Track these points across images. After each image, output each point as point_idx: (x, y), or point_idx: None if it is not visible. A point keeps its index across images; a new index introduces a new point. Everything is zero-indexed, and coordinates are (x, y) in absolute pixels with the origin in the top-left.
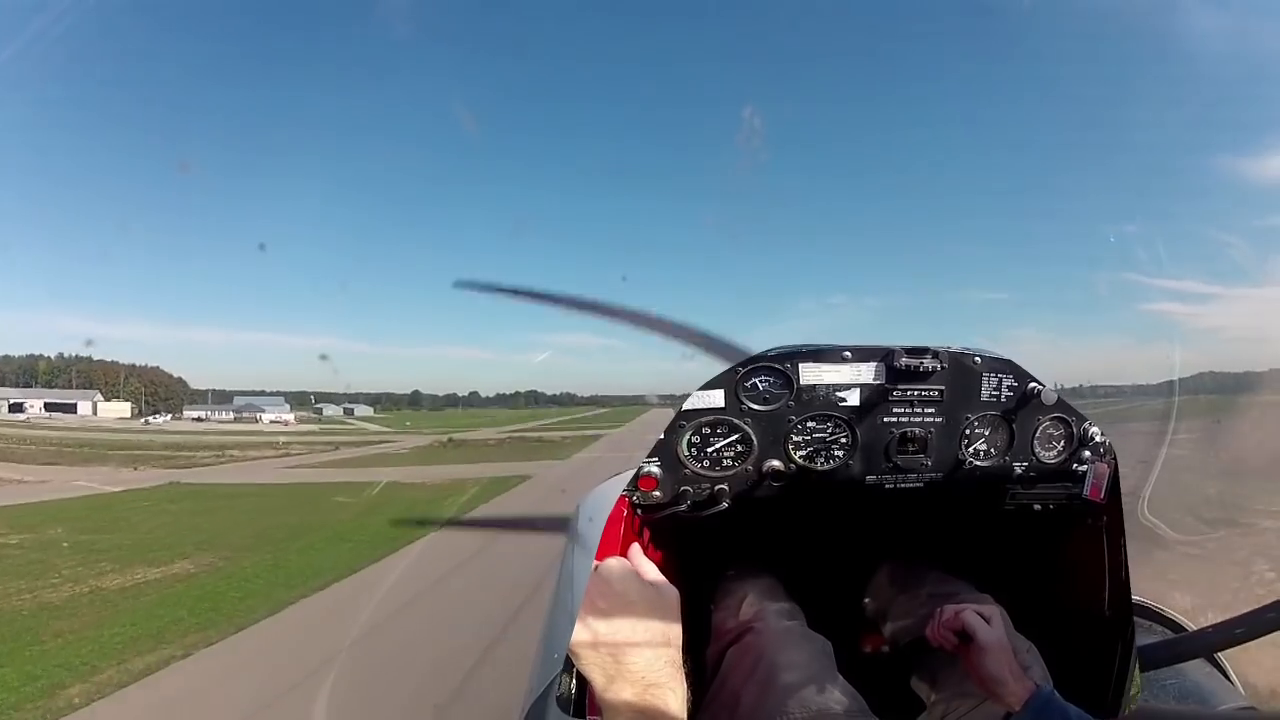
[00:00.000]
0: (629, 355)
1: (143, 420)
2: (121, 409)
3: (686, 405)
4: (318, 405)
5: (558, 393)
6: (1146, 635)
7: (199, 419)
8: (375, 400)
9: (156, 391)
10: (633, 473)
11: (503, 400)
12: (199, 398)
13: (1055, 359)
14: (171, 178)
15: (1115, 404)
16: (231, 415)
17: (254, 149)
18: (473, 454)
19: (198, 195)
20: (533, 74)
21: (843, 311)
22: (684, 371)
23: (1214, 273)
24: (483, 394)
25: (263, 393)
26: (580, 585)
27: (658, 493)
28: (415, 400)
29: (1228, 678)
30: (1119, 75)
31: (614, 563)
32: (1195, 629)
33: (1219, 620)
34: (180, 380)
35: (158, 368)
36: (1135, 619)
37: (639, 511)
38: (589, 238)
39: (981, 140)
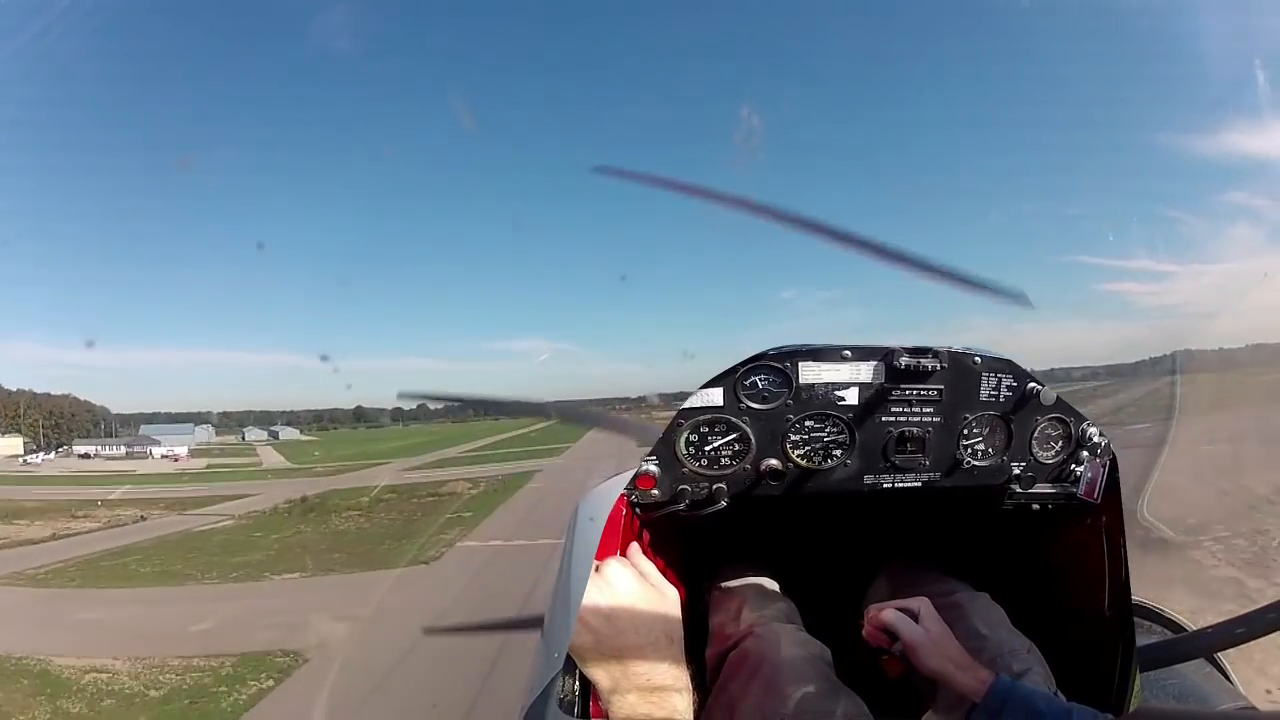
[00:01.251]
0: (584, 359)
1: (20, 460)
2: (13, 444)
3: (685, 404)
4: (243, 429)
5: (509, 401)
6: (1146, 635)
7: (86, 455)
8: (319, 417)
9: (59, 423)
10: (632, 472)
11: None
12: (127, 425)
13: (1010, 342)
14: (161, 185)
15: (1100, 387)
16: (123, 450)
17: (226, 153)
18: (303, 539)
19: (185, 200)
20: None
21: (796, 305)
22: (650, 375)
23: (1168, 251)
24: (433, 407)
25: (203, 415)
26: (580, 585)
27: (656, 491)
28: (359, 416)
29: (1227, 678)
30: (1067, 54)
31: (614, 563)
32: (1195, 629)
33: (1219, 620)
34: (100, 408)
35: (69, 395)
36: (1135, 619)
37: (638, 511)
38: (588, 237)
39: (923, 119)
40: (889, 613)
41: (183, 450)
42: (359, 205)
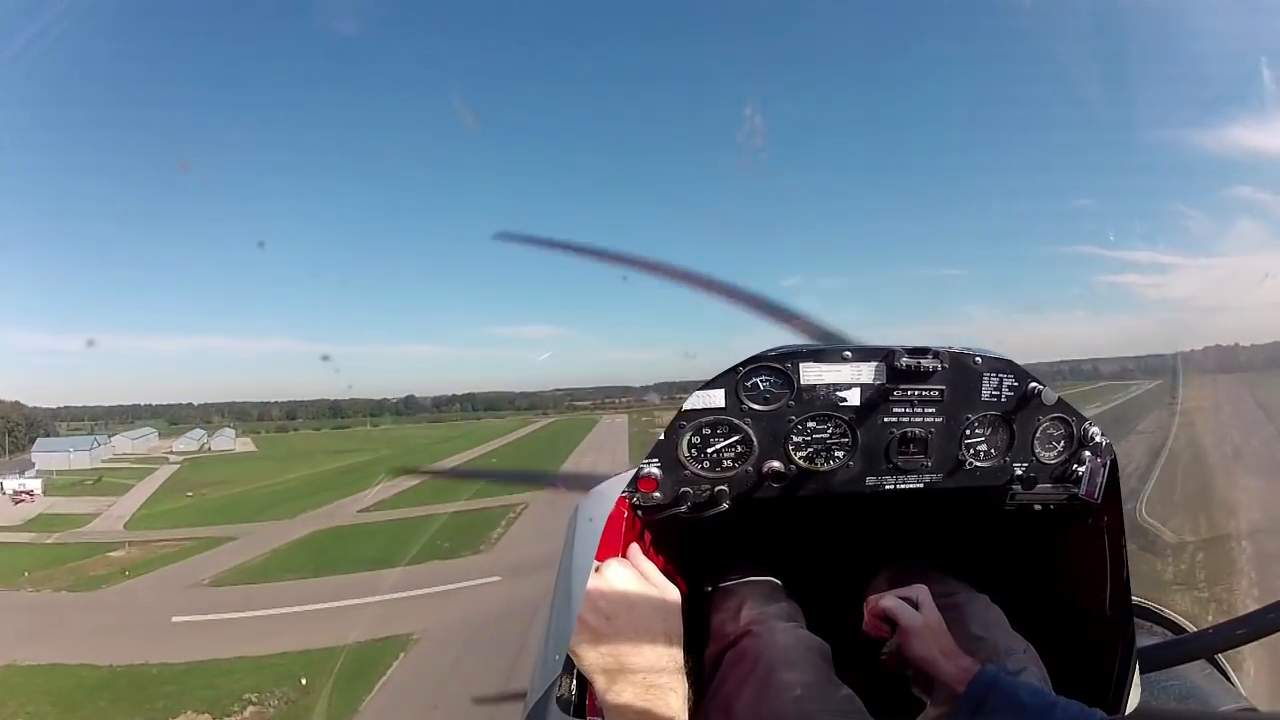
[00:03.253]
0: (588, 345)
1: None
2: None
3: (687, 405)
4: (186, 431)
5: (504, 391)
6: (1147, 636)
7: None
8: (291, 412)
9: None
10: (633, 473)
11: (441, 405)
12: (52, 428)
13: (1010, 334)
14: (171, 182)
15: (1128, 383)
16: None
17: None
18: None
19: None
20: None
21: (799, 295)
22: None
23: (1171, 243)
24: (421, 397)
25: (166, 408)
26: (581, 586)
27: (658, 494)
28: (336, 410)
29: (1228, 679)
30: (1071, 51)
31: (615, 564)
32: (1195, 630)
33: (1219, 621)
34: (11, 404)
35: None
36: (1135, 620)
37: (639, 513)
38: (589, 236)
39: (931, 115)
40: (888, 599)
41: (35, 485)
42: (361, 198)
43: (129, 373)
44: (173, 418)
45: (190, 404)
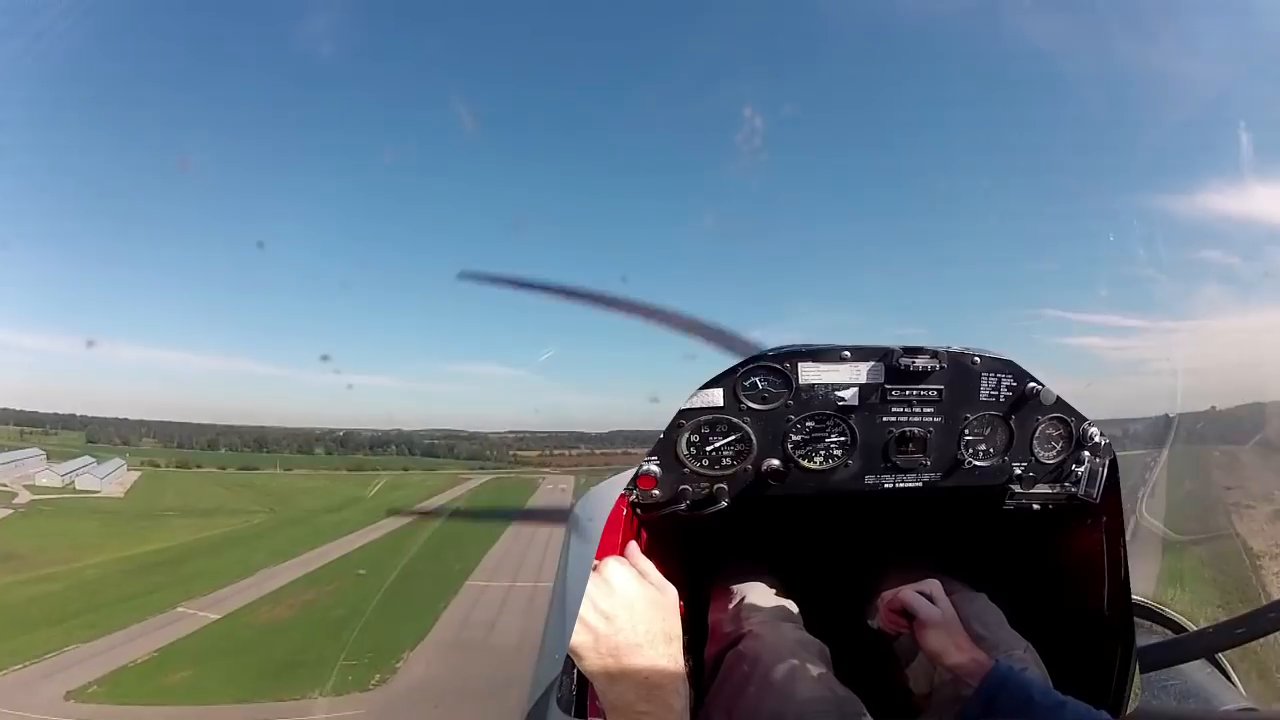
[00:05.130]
0: (536, 388)
1: None
2: None
3: (686, 404)
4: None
5: (452, 430)
6: (1147, 636)
7: None
8: (212, 443)
9: None
10: (632, 472)
11: (377, 445)
12: None
13: None
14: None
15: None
16: None
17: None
18: None
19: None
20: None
21: (796, 303)
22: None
23: (1136, 306)
24: (362, 430)
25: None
26: (580, 585)
27: (657, 492)
28: (262, 443)
29: (1228, 678)
30: (1037, 114)
31: (614, 562)
32: (1195, 629)
33: (1219, 620)
34: None
35: None
36: (1135, 619)
37: (638, 511)
38: (589, 237)
39: (887, 173)
40: (906, 593)
41: None
42: (353, 204)
43: (68, 377)
44: (92, 435)
45: (126, 419)
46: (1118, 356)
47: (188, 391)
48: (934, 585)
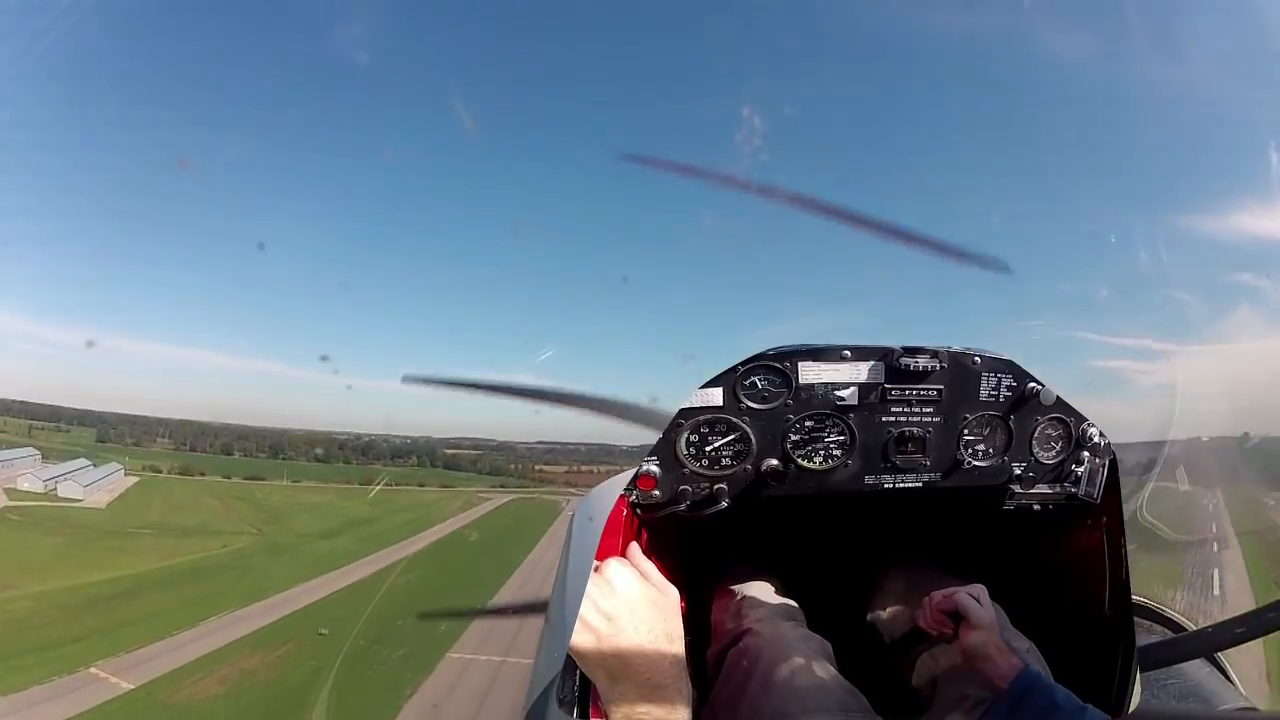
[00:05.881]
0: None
1: None
2: None
3: (685, 404)
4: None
5: (480, 439)
6: (1146, 635)
7: None
8: (232, 445)
9: None
10: (632, 472)
11: (398, 455)
12: None
13: None
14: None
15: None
16: None
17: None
18: None
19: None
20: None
21: (795, 304)
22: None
23: (1166, 329)
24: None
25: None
26: (581, 585)
27: (657, 492)
28: (278, 448)
29: (1228, 678)
30: (1074, 130)
31: (615, 564)
32: (1195, 629)
33: (1219, 620)
34: None
35: None
36: (1135, 619)
37: (638, 511)
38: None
39: (920, 193)
40: (960, 595)
41: None
42: (360, 202)
43: (95, 372)
44: (102, 434)
45: (145, 416)
46: (1147, 380)
47: (216, 390)
48: (981, 589)
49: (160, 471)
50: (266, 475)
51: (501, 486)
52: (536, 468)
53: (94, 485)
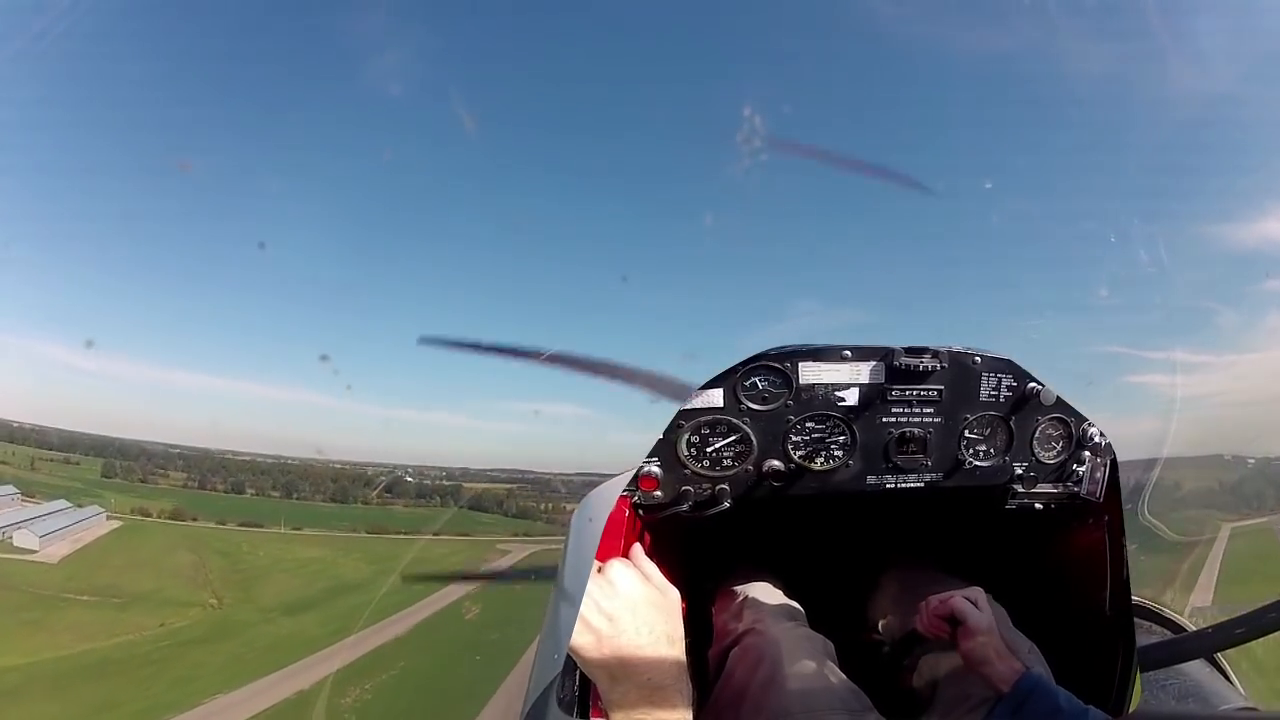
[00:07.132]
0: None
1: None
2: None
3: (686, 405)
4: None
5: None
6: (1146, 636)
7: None
8: (243, 483)
9: None
10: (633, 473)
11: (424, 494)
12: None
13: None
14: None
15: None
16: None
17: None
18: None
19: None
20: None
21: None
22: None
23: (1202, 341)
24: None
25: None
26: (581, 586)
27: (658, 493)
28: (291, 484)
29: (1228, 678)
30: (1073, 130)
31: (616, 564)
32: (1195, 629)
33: (1219, 620)
34: None
35: None
36: (1135, 619)
37: (640, 512)
38: (589, 237)
39: (968, 203)
40: (956, 600)
41: None
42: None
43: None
44: (108, 467)
45: (163, 445)
46: (1179, 393)
47: (254, 420)
48: (979, 593)
49: (149, 515)
50: (266, 520)
51: (525, 534)
52: (568, 508)
53: (55, 535)
